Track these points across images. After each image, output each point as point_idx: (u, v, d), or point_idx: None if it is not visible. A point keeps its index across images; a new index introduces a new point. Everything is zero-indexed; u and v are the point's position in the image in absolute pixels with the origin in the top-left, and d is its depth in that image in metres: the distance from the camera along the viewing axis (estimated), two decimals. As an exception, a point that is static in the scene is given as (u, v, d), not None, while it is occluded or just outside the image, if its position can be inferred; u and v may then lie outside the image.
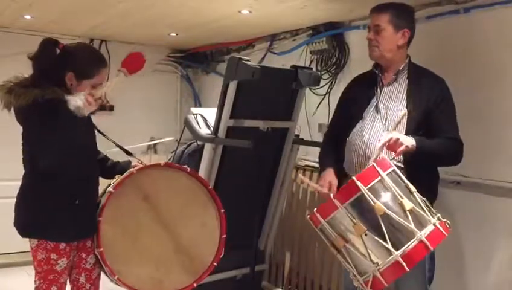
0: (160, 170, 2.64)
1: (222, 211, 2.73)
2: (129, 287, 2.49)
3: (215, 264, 2.71)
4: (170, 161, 3.61)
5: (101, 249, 2.42)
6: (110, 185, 2.56)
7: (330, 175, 2.55)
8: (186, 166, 2.69)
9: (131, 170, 2.56)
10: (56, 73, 2.35)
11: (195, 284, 2.66)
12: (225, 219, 2.73)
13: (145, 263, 2.55)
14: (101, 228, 2.42)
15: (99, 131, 2.68)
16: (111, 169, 2.70)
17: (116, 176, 2.62)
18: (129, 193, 2.51)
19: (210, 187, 2.74)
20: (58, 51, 2.40)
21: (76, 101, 2.22)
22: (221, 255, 2.72)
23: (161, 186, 2.60)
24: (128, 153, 2.81)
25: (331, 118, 2.98)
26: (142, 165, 2.61)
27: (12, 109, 2.32)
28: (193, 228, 2.66)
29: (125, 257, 2.51)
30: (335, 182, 2.51)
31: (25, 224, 2.42)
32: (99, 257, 2.46)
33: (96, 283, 2.61)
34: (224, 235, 2.73)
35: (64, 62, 2.37)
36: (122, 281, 2.47)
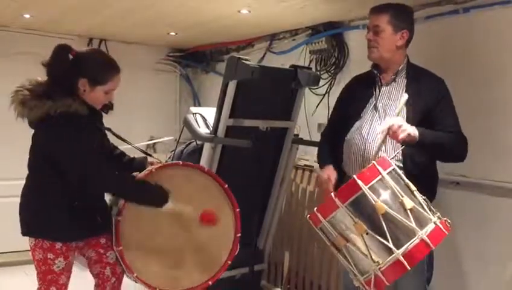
0: (178, 168, 2.68)
1: (237, 210, 2.76)
2: (147, 284, 2.52)
3: (229, 262, 2.75)
4: (170, 161, 3.61)
5: (121, 248, 2.44)
6: None
7: (329, 170, 2.55)
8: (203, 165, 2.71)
9: (150, 168, 2.58)
10: (68, 79, 2.37)
11: (210, 282, 2.69)
12: (240, 218, 2.76)
13: (162, 260, 2.58)
14: (120, 226, 2.44)
15: (115, 134, 2.70)
16: (127, 165, 2.72)
17: (134, 173, 2.64)
18: None
19: (226, 186, 2.76)
20: (71, 57, 2.40)
21: None
22: (236, 254, 2.75)
23: (179, 184, 2.62)
24: (145, 153, 2.84)
25: (329, 116, 2.98)
26: (160, 164, 2.64)
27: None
28: (208, 226, 2.67)
29: (143, 255, 2.53)
30: (334, 176, 2.51)
31: (25, 222, 2.44)
32: (118, 255, 2.49)
33: (121, 277, 2.64)
34: (239, 234, 2.76)
35: (77, 68, 2.38)
36: (140, 278, 2.50)
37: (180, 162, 2.74)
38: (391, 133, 2.25)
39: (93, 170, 2.34)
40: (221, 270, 2.73)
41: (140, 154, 2.85)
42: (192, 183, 2.69)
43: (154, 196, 2.44)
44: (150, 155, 2.84)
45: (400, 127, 2.24)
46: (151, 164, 2.71)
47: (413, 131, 2.28)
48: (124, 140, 2.75)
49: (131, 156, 2.81)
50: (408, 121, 2.41)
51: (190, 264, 2.66)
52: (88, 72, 2.39)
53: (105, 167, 2.46)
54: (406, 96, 2.31)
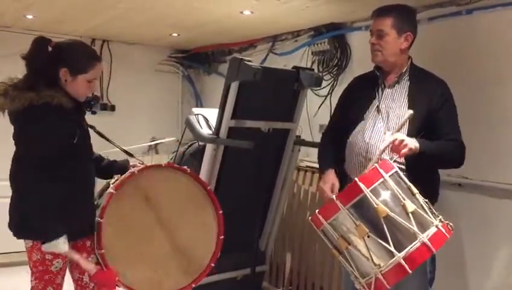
0: (161, 170, 2.65)
1: (220, 212, 2.73)
2: (129, 288, 2.49)
3: (212, 265, 2.72)
4: (171, 161, 3.61)
5: (102, 251, 2.42)
6: (109, 185, 2.56)
7: (332, 177, 2.54)
8: (186, 167, 2.69)
9: (132, 170, 2.55)
10: (49, 71, 2.34)
11: (193, 285, 2.67)
12: (223, 220, 2.73)
13: (144, 264, 2.56)
14: (102, 229, 2.41)
15: (98, 133, 2.67)
16: (107, 168, 2.69)
17: (115, 176, 2.61)
18: (130, 194, 2.50)
19: (209, 188, 2.75)
20: (50, 48, 2.37)
21: None
22: (218, 257, 2.72)
23: (161, 187, 2.60)
24: (128, 153, 2.81)
25: (330, 117, 2.97)
26: (143, 166, 2.61)
27: (6, 111, 2.32)
28: (192, 229, 2.66)
29: (125, 258, 2.50)
30: (337, 184, 2.50)
31: (18, 226, 2.40)
32: (99, 258, 2.46)
33: None
34: (222, 237, 2.73)
35: (57, 59, 2.36)
36: (123, 282, 2.47)
37: (163, 163, 2.70)
38: (393, 148, 2.26)
39: (28, 169, 2.26)
40: (204, 273, 2.71)
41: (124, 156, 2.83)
42: (175, 185, 2.66)
43: (42, 229, 2.30)
44: (132, 155, 2.81)
45: (401, 142, 2.25)
46: (133, 166, 2.67)
47: (414, 145, 2.29)
48: (107, 139, 2.72)
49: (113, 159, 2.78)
50: (411, 123, 2.41)
51: (173, 267, 2.64)
52: (68, 62, 2.36)
53: (41, 175, 2.29)
54: (410, 112, 2.31)
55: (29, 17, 4.29)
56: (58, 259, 2.39)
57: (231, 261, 2.92)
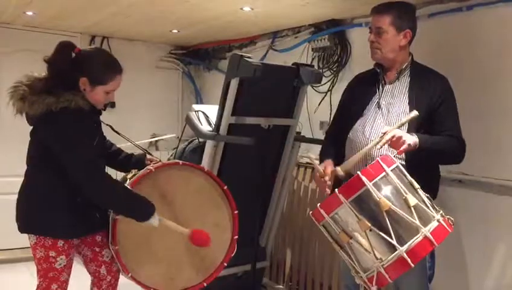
0: (178, 168, 2.66)
1: (236, 212, 2.74)
2: (142, 284, 2.51)
3: (225, 264, 2.74)
4: (173, 158, 3.61)
5: (117, 247, 2.44)
6: (126, 179, 2.58)
7: (327, 163, 2.52)
8: (203, 165, 2.70)
9: (149, 167, 2.56)
10: (70, 77, 2.35)
11: (205, 284, 2.68)
12: (238, 220, 2.74)
13: (157, 261, 2.58)
14: (117, 226, 2.43)
15: (116, 132, 2.70)
16: (125, 162, 2.71)
17: (132, 171, 2.62)
18: (146, 191, 2.50)
19: (225, 187, 2.75)
20: (73, 54, 2.38)
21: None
22: (232, 256, 2.74)
23: (177, 185, 2.61)
24: (144, 150, 2.84)
25: (333, 116, 2.97)
26: (160, 163, 2.62)
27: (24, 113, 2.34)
28: (206, 227, 2.65)
29: (139, 255, 2.53)
30: (330, 168, 2.45)
31: (24, 220, 2.42)
32: (114, 254, 2.48)
33: (117, 275, 2.63)
34: (236, 236, 2.75)
35: (78, 66, 2.36)
36: (136, 278, 2.50)
37: (180, 162, 2.71)
38: (392, 144, 2.26)
39: (90, 174, 2.31)
40: (216, 271, 2.72)
41: (139, 151, 2.85)
42: (191, 183, 2.68)
43: (137, 211, 2.38)
44: (149, 153, 2.83)
45: (400, 138, 2.24)
46: (150, 161, 2.70)
47: (413, 141, 2.28)
48: (124, 137, 2.74)
49: (130, 152, 2.80)
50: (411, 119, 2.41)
51: (186, 264, 2.65)
52: (89, 72, 2.37)
53: (102, 173, 2.40)
54: (415, 113, 2.29)
55: (29, 13, 4.29)
56: (62, 256, 2.40)
57: (232, 258, 2.93)
